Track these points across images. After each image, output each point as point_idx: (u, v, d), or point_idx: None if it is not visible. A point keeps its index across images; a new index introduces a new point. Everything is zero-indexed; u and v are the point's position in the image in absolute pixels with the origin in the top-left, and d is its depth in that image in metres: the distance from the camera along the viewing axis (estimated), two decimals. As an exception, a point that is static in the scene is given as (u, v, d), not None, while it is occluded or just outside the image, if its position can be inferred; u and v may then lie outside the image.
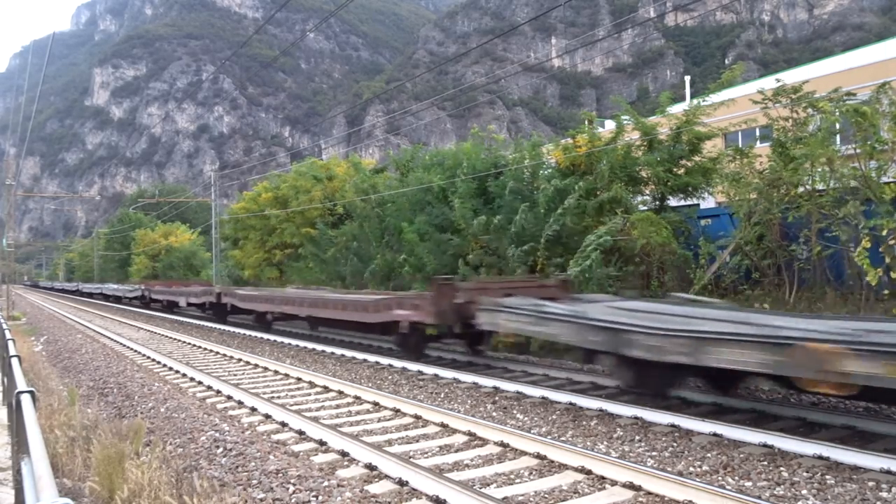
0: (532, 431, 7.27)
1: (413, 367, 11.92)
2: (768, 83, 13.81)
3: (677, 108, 16.16)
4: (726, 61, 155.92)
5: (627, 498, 5.17)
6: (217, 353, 15.64)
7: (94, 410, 9.03)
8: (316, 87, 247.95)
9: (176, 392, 10.57)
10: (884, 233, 10.68)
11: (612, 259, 14.75)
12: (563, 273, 14.27)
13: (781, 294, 12.75)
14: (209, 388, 10.81)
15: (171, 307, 31.21)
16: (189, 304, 27.13)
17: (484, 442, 6.91)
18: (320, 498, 5.33)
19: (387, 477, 5.75)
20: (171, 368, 13.26)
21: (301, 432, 7.45)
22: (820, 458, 5.87)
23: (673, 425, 7.16)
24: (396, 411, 8.49)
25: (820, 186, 12.36)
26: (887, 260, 10.70)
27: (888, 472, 5.45)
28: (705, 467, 5.92)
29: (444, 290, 11.82)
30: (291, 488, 5.55)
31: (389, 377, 11.42)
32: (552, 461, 6.10)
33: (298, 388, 10.63)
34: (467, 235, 17.66)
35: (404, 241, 19.87)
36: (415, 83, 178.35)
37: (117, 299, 43.21)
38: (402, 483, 5.54)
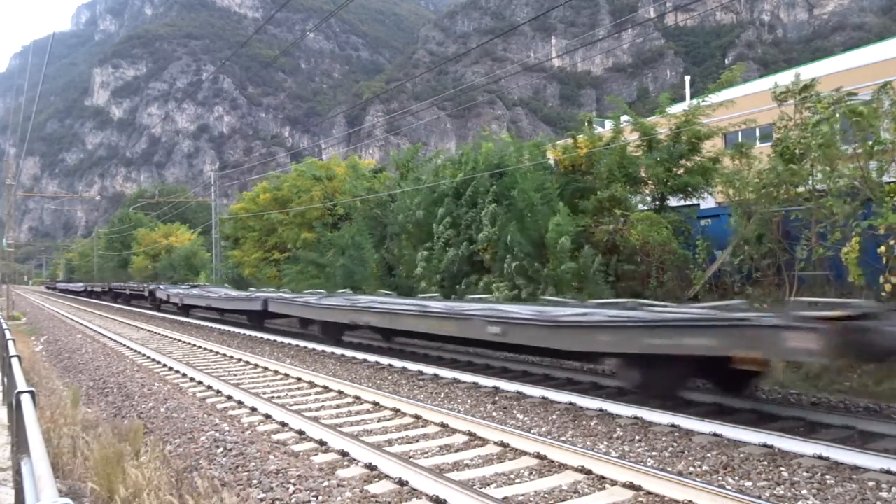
0: (532, 431, 7.27)
1: (413, 366, 11.92)
2: (770, 82, 13.80)
3: (677, 108, 16.16)
4: (726, 61, 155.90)
5: (627, 498, 5.17)
6: (217, 353, 15.64)
7: (94, 410, 9.03)
8: (316, 87, 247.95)
9: (176, 392, 10.57)
10: (881, 230, 10.64)
11: (611, 259, 14.75)
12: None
13: (781, 294, 12.74)
14: (209, 387, 10.80)
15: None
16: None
17: (484, 442, 6.91)
18: (320, 498, 5.33)
19: (387, 477, 5.75)
20: (171, 368, 13.26)
21: (301, 432, 7.44)
22: (820, 458, 5.87)
23: (673, 425, 7.16)
24: (396, 411, 8.49)
25: (820, 186, 12.35)
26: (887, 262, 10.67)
27: (888, 472, 5.45)
28: (705, 467, 5.92)
29: None
30: (291, 488, 5.55)
31: (389, 377, 11.42)
32: (552, 461, 6.10)
33: (298, 388, 10.63)
34: (481, 238, 17.54)
35: (406, 244, 19.77)
36: (415, 83, 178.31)
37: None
38: (402, 483, 5.54)
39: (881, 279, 10.60)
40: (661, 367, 8.27)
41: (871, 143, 11.40)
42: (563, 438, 7.01)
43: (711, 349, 7.27)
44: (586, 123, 17.28)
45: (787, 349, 6.72)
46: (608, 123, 18.04)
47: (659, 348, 7.83)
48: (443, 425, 7.62)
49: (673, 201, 16.02)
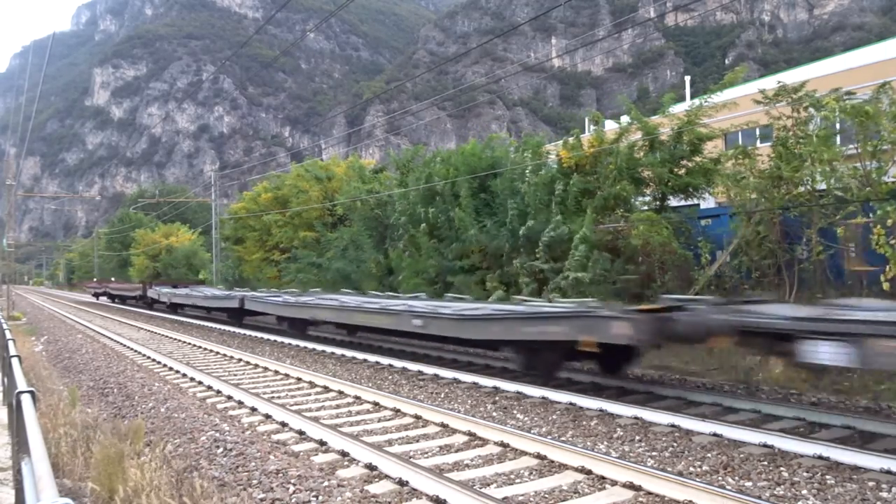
0: (532, 431, 7.27)
1: (413, 367, 11.93)
2: (769, 83, 13.80)
3: (677, 109, 16.15)
4: (726, 61, 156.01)
5: (627, 498, 5.17)
6: (217, 353, 15.64)
7: (95, 410, 9.03)
8: (316, 87, 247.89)
9: (176, 392, 10.57)
10: (889, 223, 10.65)
11: (612, 259, 14.75)
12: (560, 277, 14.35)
13: (782, 294, 12.74)
14: (209, 388, 10.80)
15: None
16: None
17: (484, 442, 6.90)
18: (320, 498, 5.33)
19: (387, 477, 5.75)
20: (171, 368, 13.26)
21: (301, 432, 7.44)
22: (820, 458, 5.87)
23: (673, 425, 7.16)
24: (396, 411, 8.49)
25: (821, 186, 12.36)
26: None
27: (888, 472, 5.45)
28: (705, 467, 5.92)
29: None
30: (291, 488, 5.55)
31: (389, 377, 11.42)
32: (552, 461, 6.10)
33: (298, 388, 10.63)
34: (466, 240, 17.63)
35: (409, 244, 19.80)
36: (415, 83, 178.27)
37: None
38: (402, 483, 5.54)
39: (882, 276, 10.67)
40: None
41: (875, 142, 11.42)
42: (563, 438, 7.01)
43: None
44: (594, 123, 17.35)
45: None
46: (608, 124, 18.05)
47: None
48: (443, 425, 7.61)
49: (673, 201, 16.02)
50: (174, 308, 30.75)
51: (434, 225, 19.15)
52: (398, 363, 12.47)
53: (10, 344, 8.30)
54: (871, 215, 11.20)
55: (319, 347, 15.55)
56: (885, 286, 10.76)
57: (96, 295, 54.04)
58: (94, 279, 67.36)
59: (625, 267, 14.44)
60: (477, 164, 18.85)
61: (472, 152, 19.43)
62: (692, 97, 25.59)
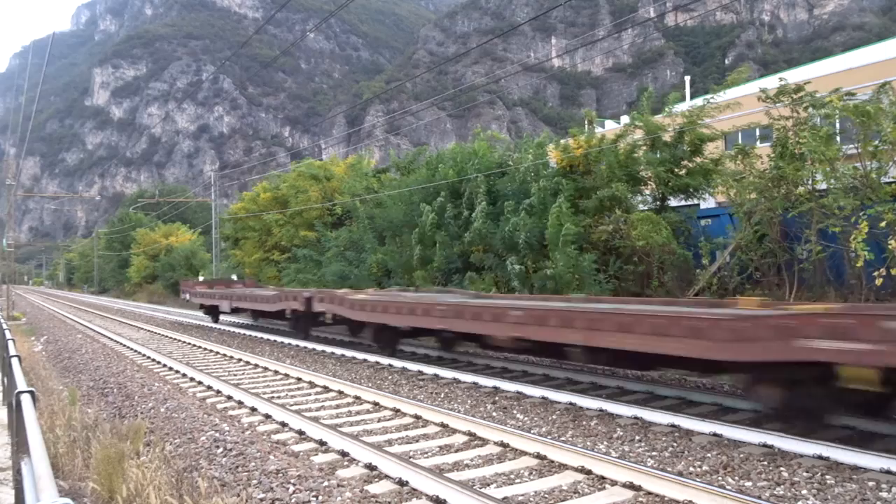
0: (532, 431, 7.27)
1: (413, 367, 11.93)
2: (770, 83, 13.80)
3: (677, 109, 16.15)
4: (726, 61, 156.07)
5: (627, 498, 5.17)
6: (217, 353, 15.64)
7: (94, 410, 9.02)
8: (316, 87, 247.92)
9: (176, 392, 10.57)
10: (882, 224, 10.67)
11: (610, 259, 14.75)
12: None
13: (781, 294, 12.74)
14: (209, 388, 10.80)
15: None
16: None
17: (484, 442, 6.90)
18: (320, 498, 5.33)
19: (387, 477, 5.75)
20: (171, 368, 13.25)
21: (301, 432, 7.44)
22: (820, 458, 5.87)
23: (673, 425, 7.16)
24: (396, 411, 8.49)
25: (821, 186, 12.36)
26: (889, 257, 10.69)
27: (888, 472, 5.45)
28: (705, 467, 5.92)
29: None
30: (291, 488, 5.55)
31: (389, 377, 11.42)
32: (552, 461, 6.10)
33: (298, 388, 10.63)
34: (473, 238, 17.61)
35: (416, 237, 19.77)
36: (415, 83, 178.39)
37: None
38: (402, 483, 5.54)
39: (865, 255, 10.71)
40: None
41: (876, 142, 11.42)
42: (563, 438, 7.01)
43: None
44: (588, 122, 17.31)
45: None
46: (608, 123, 18.05)
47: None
48: (443, 425, 7.61)
49: (673, 201, 16.02)
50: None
51: (437, 223, 19.12)
52: (398, 363, 12.47)
53: (10, 344, 8.29)
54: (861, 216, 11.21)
55: (319, 347, 15.55)
56: (879, 282, 10.79)
57: (214, 312, 24.58)
58: (213, 277, 34.45)
59: (623, 267, 14.45)
60: (486, 163, 18.84)
61: (483, 153, 19.36)
62: (692, 97, 25.60)
